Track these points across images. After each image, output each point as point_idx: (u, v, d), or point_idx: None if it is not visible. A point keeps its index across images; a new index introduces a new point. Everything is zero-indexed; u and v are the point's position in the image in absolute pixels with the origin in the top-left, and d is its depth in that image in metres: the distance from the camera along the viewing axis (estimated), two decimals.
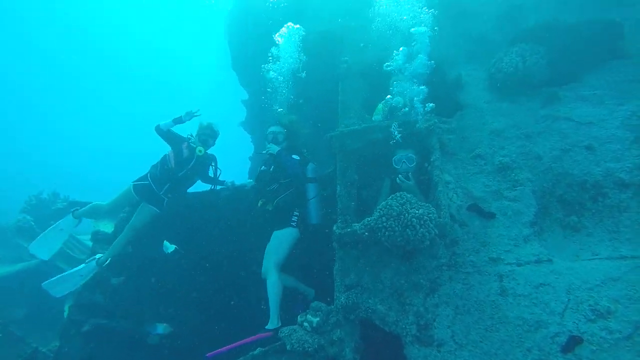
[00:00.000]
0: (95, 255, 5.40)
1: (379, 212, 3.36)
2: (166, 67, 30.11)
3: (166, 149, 5.55)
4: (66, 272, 5.23)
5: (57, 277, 5.16)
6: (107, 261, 5.25)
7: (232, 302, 5.68)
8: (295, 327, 3.65)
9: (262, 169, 4.95)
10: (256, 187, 5.03)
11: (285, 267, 4.54)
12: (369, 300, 3.59)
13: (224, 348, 3.84)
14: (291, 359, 3.58)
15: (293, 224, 4.61)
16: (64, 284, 5.15)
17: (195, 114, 5.41)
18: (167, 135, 5.40)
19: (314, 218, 4.72)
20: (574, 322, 3.03)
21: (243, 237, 5.65)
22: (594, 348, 2.88)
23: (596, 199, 3.57)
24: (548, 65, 4.22)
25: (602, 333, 2.92)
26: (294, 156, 4.71)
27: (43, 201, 9.51)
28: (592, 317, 3.01)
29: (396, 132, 4.09)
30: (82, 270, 5.20)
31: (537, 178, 3.83)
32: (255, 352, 3.62)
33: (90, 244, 6.86)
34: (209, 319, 5.60)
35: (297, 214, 4.66)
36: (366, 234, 3.51)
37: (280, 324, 4.05)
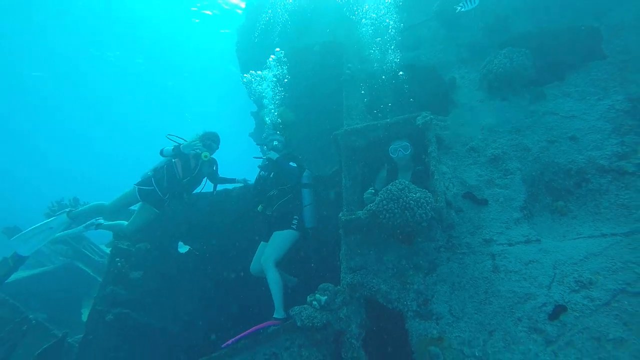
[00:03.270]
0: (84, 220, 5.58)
1: (380, 196, 3.71)
2: (182, 80, 31.27)
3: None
4: (37, 225, 4.95)
5: (26, 230, 4.85)
6: (97, 225, 5.44)
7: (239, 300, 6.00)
8: (304, 305, 3.97)
9: (260, 174, 5.25)
10: (255, 192, 5.28)
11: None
12: (373, 281, 3.90)
13: (236, 337, 3.98)
14: (302, 336, 3.89)
15: (293, 227, 4.89)
16: (33, 239, 4.91)
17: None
18: (173, 153, 5.52)
19: (309, 222, 5.01)
20: (560, 293, 3.31)
21: (251, 235, 6.00)
22: (577, 314, 3.15)
23: (580, 184, 3.89)
24: (534, 66, 4.60)
25: (585, 301, 3.20)
26: (291, 163, 5.01)
27: (64, 207, 10.00)
28: (576, 288, 3.29)
29: None
30: (53, 222, 5.18)
31: (527, 167, 4.16)
32: (269, 330, 3.95)
33: (107, 250, 7.32)
34: (222, 310, 5.93)
35: (296, 217, 4.94)
36: (369, 218, 3.85)
37: (285, 315, 4.25)
